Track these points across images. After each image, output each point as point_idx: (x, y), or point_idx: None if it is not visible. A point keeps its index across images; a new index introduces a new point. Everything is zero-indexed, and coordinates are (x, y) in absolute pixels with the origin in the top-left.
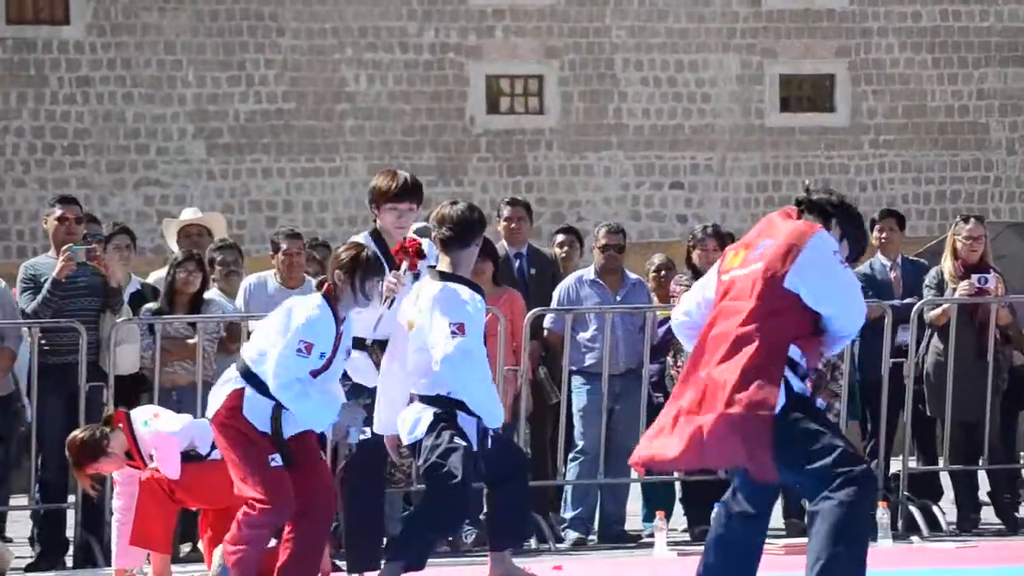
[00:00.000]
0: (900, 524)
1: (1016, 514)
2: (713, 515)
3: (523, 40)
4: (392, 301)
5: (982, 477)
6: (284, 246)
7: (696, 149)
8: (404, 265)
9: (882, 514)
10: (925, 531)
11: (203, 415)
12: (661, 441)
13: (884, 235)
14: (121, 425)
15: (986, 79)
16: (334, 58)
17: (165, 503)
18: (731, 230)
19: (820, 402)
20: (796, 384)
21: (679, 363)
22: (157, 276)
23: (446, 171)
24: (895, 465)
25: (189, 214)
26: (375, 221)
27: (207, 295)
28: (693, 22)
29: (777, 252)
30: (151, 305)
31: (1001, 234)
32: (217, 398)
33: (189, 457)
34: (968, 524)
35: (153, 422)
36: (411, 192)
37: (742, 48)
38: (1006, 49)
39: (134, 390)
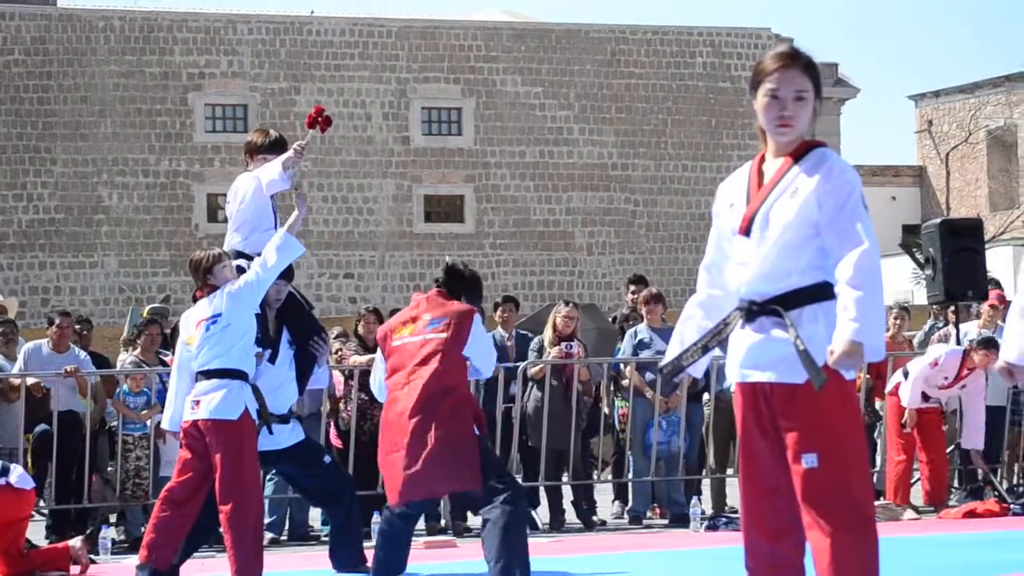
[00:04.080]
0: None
1: (593, 517)
2: (382, 517)
3: (235, 168)
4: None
5: (566, 490)
6: (57, 321)
7: (363, 249)
8: (312, 131)
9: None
10: (527, 530)
11: None
12: (397, 478)
13: (506, 315)
14: None
15: (572, 200)
16: (93, 181)
17: None
18: (388, 308)
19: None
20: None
21: (348, 408)
22: None
23: (177, 264)
24: None
25: None
26: (247, 168)
27: None
28: (360, 155)
29: (455, 330)
30: None
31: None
32: None
33: None
34: (557, 524)
35: None
36: (279, 145)
37: (396, 175)
38: (586, 179)
39: None
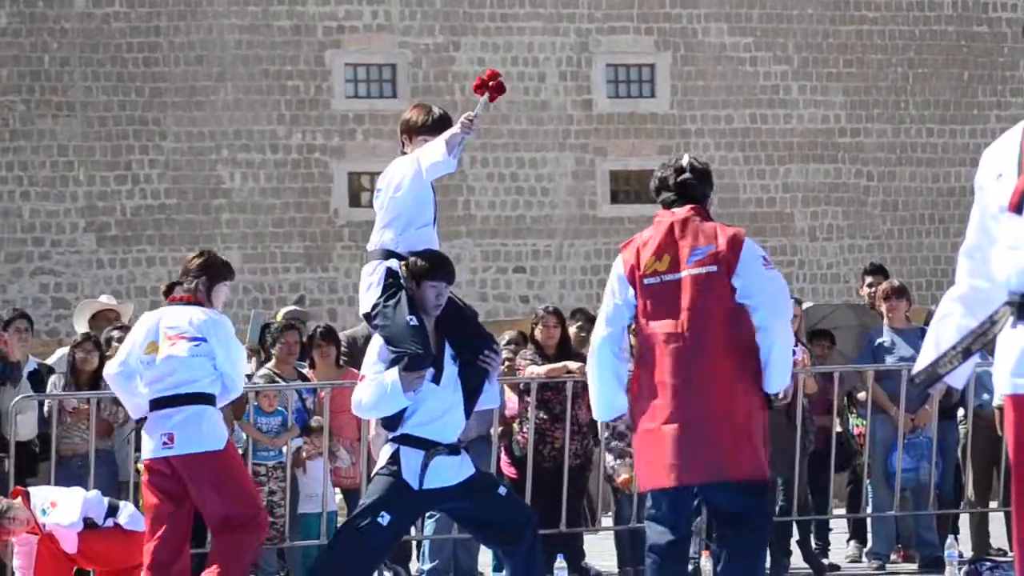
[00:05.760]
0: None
1: (824, 560)
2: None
3: (381, 141)
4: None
5: (792, 527)
6: None
7: (536, 237)
8: (483, 98)
9: (705, 562)
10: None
11: (95, 484)
12: (669, 460)
13: None
14: (21, 499)
15: (790, 174)
16: (211, 158)
17: (61, 563)
18: (568, 308)
19: None
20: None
21: (524, 429)
22: (59, 355)
23: (313, 258)
24: None
25: (105, 300)
26: (403, 152)
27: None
28: (532, 124)
29: (726, 260)
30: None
31: (838, 309)
32: None
33: (86, 525)
34: (779, 569)
35: (51, 512)
36: (444, 124)
37: (576, 147)
38: (806, 148)
39: (35, 458)
